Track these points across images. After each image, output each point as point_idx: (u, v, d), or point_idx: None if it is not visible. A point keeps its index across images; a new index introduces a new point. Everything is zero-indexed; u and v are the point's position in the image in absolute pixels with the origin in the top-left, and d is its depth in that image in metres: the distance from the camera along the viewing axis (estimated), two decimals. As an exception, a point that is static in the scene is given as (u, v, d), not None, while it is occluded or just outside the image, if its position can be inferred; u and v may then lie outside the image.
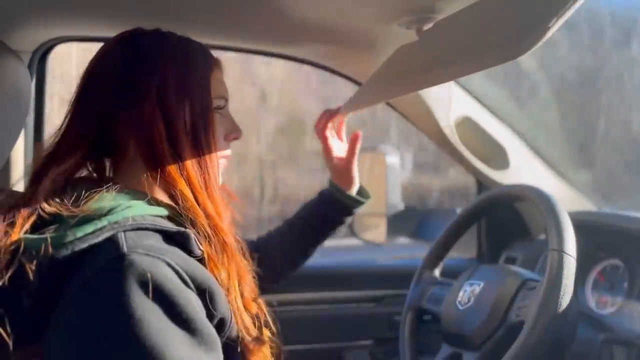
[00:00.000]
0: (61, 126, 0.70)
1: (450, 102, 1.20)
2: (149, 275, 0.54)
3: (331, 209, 1.09)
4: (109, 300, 0.54)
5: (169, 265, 0.57)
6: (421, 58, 0.90)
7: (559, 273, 0.77)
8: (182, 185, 0.67)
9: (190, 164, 0.69)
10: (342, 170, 1.09)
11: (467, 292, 0.93)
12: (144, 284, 0.54)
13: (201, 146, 0.70)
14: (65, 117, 0.71)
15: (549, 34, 0.56)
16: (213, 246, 0.67)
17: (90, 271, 0.56)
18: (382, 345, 1.31)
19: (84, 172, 0.71)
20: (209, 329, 0.58)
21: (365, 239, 1.61)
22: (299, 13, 0.90)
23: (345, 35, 1.01)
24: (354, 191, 1.11)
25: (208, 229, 0.67)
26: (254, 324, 0.74)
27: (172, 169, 0.67)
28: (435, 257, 1.10)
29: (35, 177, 0.66)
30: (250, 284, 0.78)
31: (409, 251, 1.63)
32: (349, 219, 1.12)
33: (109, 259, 0.56)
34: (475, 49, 0.73)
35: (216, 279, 0.65)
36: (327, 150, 1.10)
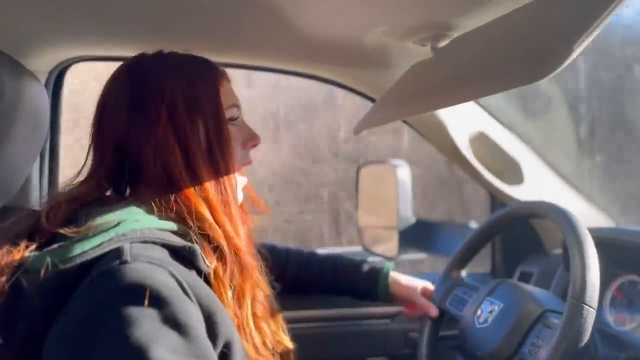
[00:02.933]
0: (85, 162, 0.71)
1: (464, 118, 1.20)
2: (148, 281, 0.54)
3: (364, 291, 1.11)
4: (104, 302, 0.53)
5: (171, 274, 0.57)
6: (437, 76, 0.90)
7: (576, 326, 0.75)
8: (200, 206, 0.66)
9: (208, 184, 0.68)
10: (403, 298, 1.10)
11: (486, 311, 0.92)
12: (141, 288, 0.53)
13: (218, 163, 0.70)
14: (89, 150, 0.72)
15: (573, 55, 0.54)
16: (229, 264, 0.66)
17: (92, 277, 0.55)
18: (396, 362, 1.30)
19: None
20: (205, 341, 0.57)
21: (376, 253, 1.61)
22: (314, 30, 0.90)
23: (359, 52, 1.01)
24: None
25: (225, 248, 0.66)
26: (265, 343, 0.74)
27: (190, 190, 0.67)
28: (463, 258, 1.09)
29: (50, 202, 0.66)
30: (264, 303, 0.77)
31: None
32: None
33: (111, 265, 0.55)
34: (493, 69, 0.72)
35: (222, 296, 0.65)
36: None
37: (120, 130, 0.68)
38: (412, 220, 1.51)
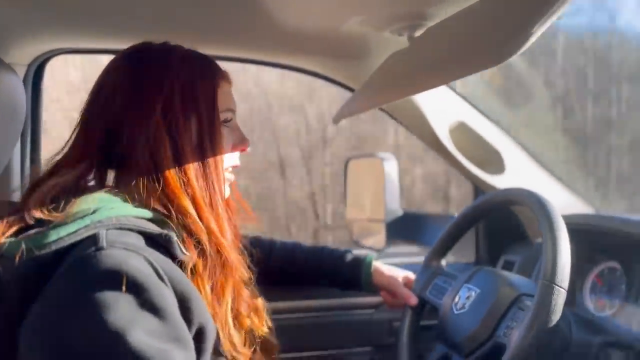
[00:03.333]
0: (69, 139, 0.71)
1: (444, 107, 1.21)
2: (123, 266, 0.54)
3: (348, 280, 1.12)
4: (80, 288, 0.54)
5: (147, 260, 0.57)
6: (413, 64, 0.91)
7: (547, 305, 0.76)
8: (184, 201, 0.67)
9: (195, 180, 0.69)
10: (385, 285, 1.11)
11: (463, 297, 0.93)
12: (117, 274, 0.54)
13: (207, 161, 0.70)
14: (74, 131, 0.72)
15: (532, 39, 0.56)
16: (209, 260, 0.67)
17: (68, 263, 0.56)
18: (381, 352, 1.31)
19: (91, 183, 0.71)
20: (181, 325, 0.58)
21: (365, 245, 1.62)
22: (293, 22, 0.91)
23: (338, 43, 1.02)
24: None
25: (206, 244, 0.67)
26: (247, 340, 0.74)
27: (176, 184, 0.67)
28: (442, 248, 1.10)
29: (32, 187, 0.66)
30: (247, 300, 0.77)
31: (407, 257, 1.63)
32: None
33: (86, 252, 0.56)
34: (464, 54, 0.73)
35: (200, 290, 0.65)
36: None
37: (114, 114, 0.69)
38: (399, 212, 1.52)
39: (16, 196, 0.99)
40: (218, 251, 0.68)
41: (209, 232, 0.68)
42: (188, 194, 0.67)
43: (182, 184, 0.67)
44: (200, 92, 0.71)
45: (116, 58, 0.74)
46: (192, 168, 0.69)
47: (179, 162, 0.68)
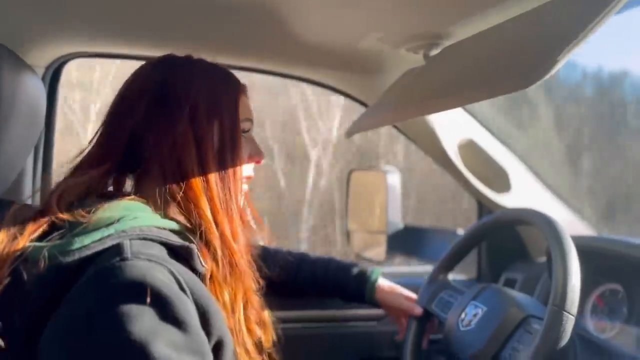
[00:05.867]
0: (91, 141, 0.72)
1: (454, 125, 1.22)
2: (147, 278, 0.55)
3: (353, 294, 1.13)
4: (104, 298, 0.54)
5: (170, 272, 0.58)
6: (428, 83, 0.92)
7: (555, 332, 0.77)
8: (204, 204, 0.69)
9: (215, 184, 0.71)
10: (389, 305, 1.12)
11: (470, 314, 0.94)
12: (141, 286, 0.54)
13: (227, 167, 0.72)
14: (96, 134, 0.73)
15: (558, 66, 0.57)
16: (221, 266, 0.68)
17: (92, 273, 0.56)
18: (382, 364, 1.31)
19: (110, 187, 0.73)
20: (202, 337, 0.58)
21: (365, 257, 1.63)
22: (311, 36, 0.92)
23: (354, 58, 1.03)
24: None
25: (219, 250, 0.68)
26: (257, 346, 0.75)
27: (198, 187, 0.69)
28: (449, 263, 1.11)
29: (56, 188, 0.67)
30: (256, 308, 0.78)
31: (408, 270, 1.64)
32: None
33: (111, 262, 0.56)
34: (482, 77, 0.74)
35: (217, 298, 0.66)
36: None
37: (139, 119, 0.70)
38: (400, 225, 1.53)
39: (29, 200, 0.99)
40: (229, 257, 0.69)
41: (223, 238, 0.69)
42: (207, 197, 0.69)
43: (203, 186, 0.69)
44: (224, 100, 0.74)
45: (143, 66, 0.76)
46: (213, 172, 0.71)
47: (202, 167, 0.70)
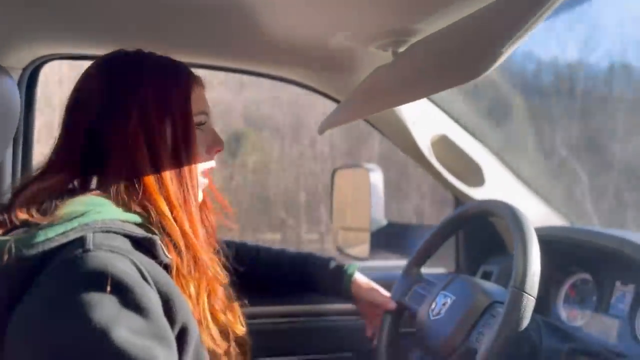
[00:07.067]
0: (52, 149, 0.73)
1: (426, 120, 1.25)
2: (108, 267, 0.56)
3: (329, 288, 1.15)
4: (66, 288, 0.56)
5: (132, 262, 0.59)
6: (396, 77, 0.95)
7: (516, 312, 0.80)
8: (161, 203, 0.69)
9: (170, 182, 0.71)
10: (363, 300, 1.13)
11: (439, 304, 0.97)
12: (102, 275, 0.56)
13: (182, 164, 0.73)
14: (55, 140, 0.74)
15: (503, 57, 0.60)
16: (185, 260, 0.69)
17: (55, 264, 0.57)
18: (362, 358, 1.33)
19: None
20: (165, 324, 0.59)
21: (349, 255, 1.64)
22: (281, 35, 0.95)
23: (325, 56, 1.06)
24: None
25: (182, 246, 0.69)
26: (223, 334, 0.77)
27: (152, 187, 0.70)
28: (421, 256, 1.13)
29: (19, 191, 0.68)
30: (222, 297, 0.80)
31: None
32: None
33: (74, 254, 0.58)
34: (442, 69, 0.77)
35: (184, 291, 0.67)
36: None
37: (93, 121, 0.71)
38: (383, 222, 1.55)
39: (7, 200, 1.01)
40: (191, 250, 0.70)
41: (183, 233, 0.70)
42: (163, 197, 0.70)
43: (158, 186, 0.70)
44: (174, 96, 0.74)
45: (91, 66, 0.76)
46: (168, 171, 0.71)
47: (155, 165, 0.71)
